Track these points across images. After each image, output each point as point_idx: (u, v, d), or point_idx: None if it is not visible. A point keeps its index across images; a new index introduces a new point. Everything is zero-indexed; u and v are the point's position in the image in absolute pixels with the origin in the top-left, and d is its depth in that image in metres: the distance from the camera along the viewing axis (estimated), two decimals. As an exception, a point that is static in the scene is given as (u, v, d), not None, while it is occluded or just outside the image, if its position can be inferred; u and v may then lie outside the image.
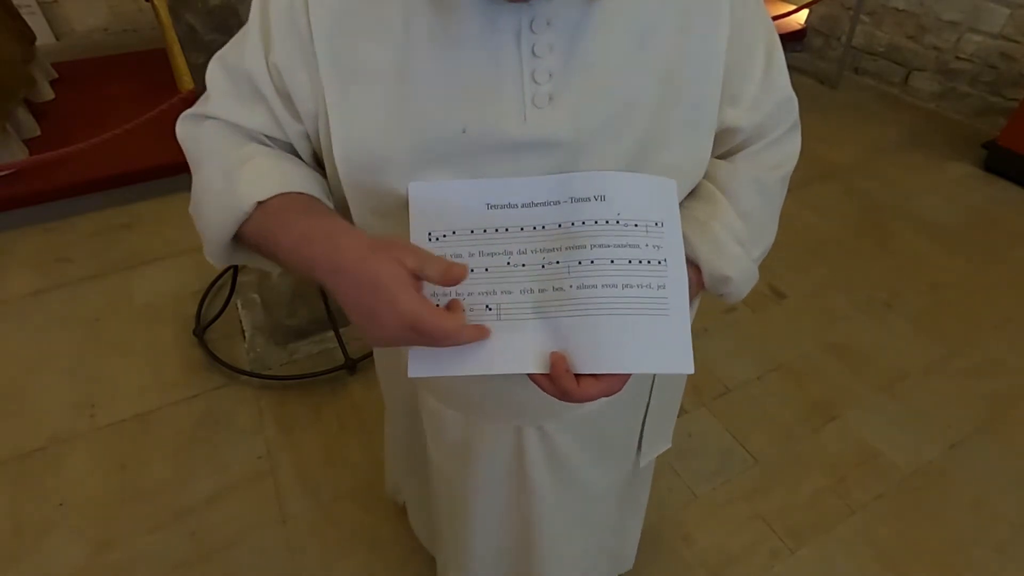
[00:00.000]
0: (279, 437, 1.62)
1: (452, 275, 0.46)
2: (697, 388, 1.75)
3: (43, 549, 1.38)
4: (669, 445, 0.96)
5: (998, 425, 1.66)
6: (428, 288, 0.50)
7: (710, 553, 1.39)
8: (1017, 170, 2.60)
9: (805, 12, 3.61)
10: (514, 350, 0.50)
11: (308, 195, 0.52)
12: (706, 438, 1.63)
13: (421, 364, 0.51)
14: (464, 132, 0.50)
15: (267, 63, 0.53)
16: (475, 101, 0.50)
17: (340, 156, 0.53)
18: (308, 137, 0.56)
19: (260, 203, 0.50)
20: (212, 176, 0.53)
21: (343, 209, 0.59)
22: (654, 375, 0.81)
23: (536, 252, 0.51)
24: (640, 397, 0.80)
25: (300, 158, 0.58)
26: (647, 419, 0.84)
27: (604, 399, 0.71)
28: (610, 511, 0.94)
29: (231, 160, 0.52)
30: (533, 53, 0.49)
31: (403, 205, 0.52)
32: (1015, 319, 1.98)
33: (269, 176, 0.51)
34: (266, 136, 0.56)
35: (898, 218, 2.43)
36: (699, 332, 1.92)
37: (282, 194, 0.51)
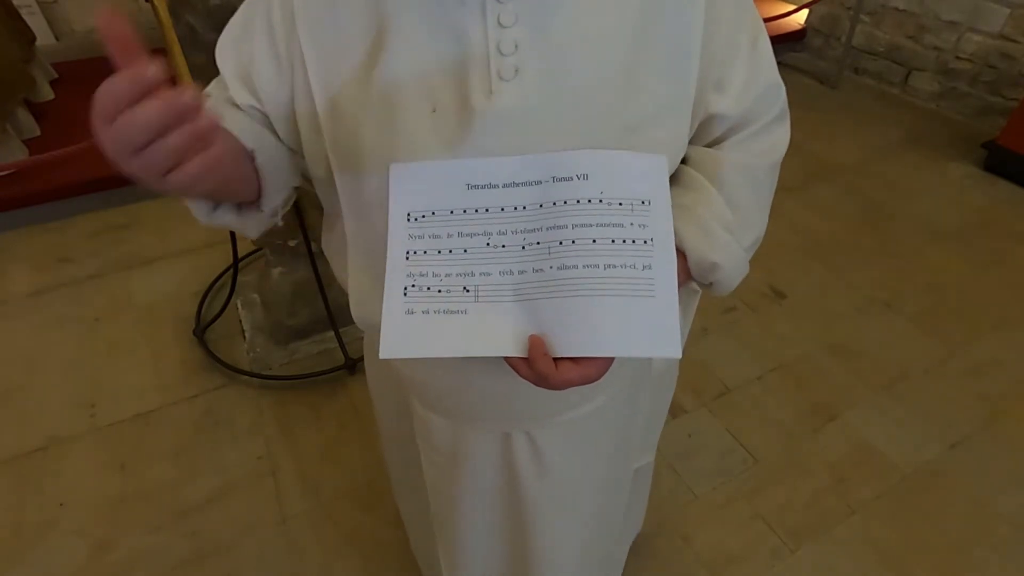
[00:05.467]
0: (279, 437, 1.62)
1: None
2: (697, 388, 1.75)
3: (43, 549, 1.38)
4: (651, 458, 0.95)
5: (998, 425, 1.66)
6: (414, 272, 0.50)
7: (710, 553, 1.39)
8: (1017, 170, 2.60)
9: (805, 12, 3.60)
10: (492, 333, 0.49)
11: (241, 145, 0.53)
12: (706, 438, 1.63)
13: (393, 345, 0.50)
14: (434, 111, 0.51)
15: (247, 64, 0.56)
16: (442, 78, 0.50)
17: (330, 143, 0.54)
18: (264, 115, 0.58)
19: None
20: None
21: (329, 189, 0.59)
22: (645, 379, 0.81)
23: (517, 233, 0.50)
24: (628, 404, 0.79)
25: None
26: (636, 427, 0.83)
27: (592, 404, 0.70)
28: (603, 522, 0.92)
29: None
30: (499, 23, 0.49)
31: (383, 187, 0.51)
32: (1015, 319, 1.98)
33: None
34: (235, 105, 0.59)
35: (898, 218, 2.43)
36: (699, 332, 1.92)
37: None
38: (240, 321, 1.92)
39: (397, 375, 0.77)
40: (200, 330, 1.88)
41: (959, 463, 1.56)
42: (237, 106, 0.58)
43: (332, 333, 1.78)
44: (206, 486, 1.50)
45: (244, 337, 1.87)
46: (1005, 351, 1.87)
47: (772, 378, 1.79)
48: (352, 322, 1.87)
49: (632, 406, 0.79)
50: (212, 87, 0.61)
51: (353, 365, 1.75)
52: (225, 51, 0.58)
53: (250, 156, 0.54)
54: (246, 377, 1.75)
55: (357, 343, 1.77)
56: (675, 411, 1.68)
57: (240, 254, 1.82)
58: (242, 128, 0.53)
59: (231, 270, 1.83)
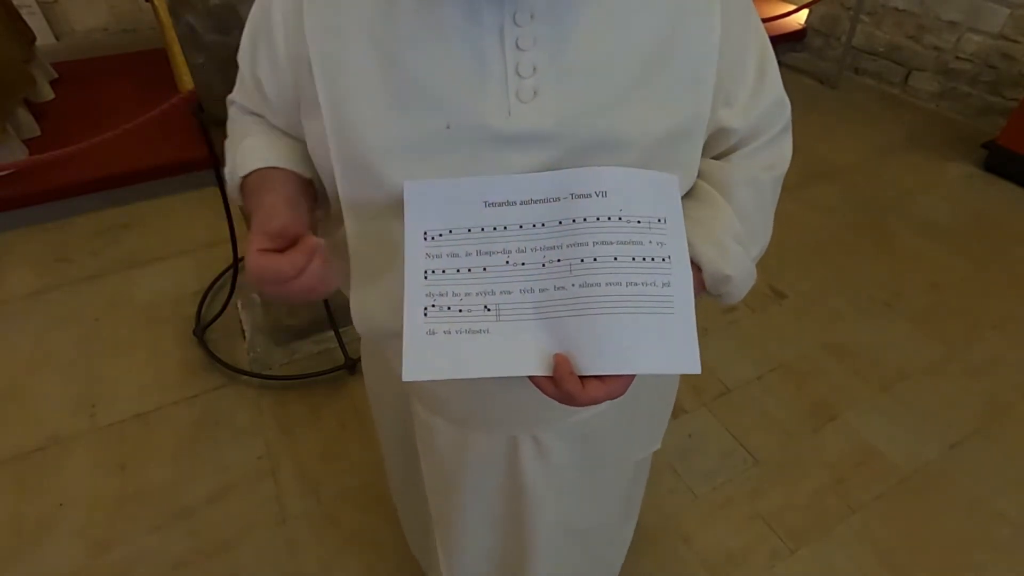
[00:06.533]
0: (279, 437, 1.62)
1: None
2: (697, 388, 1.75)
3: (43, 549, 1.38)
4: (658, 446, 0.96)
5: (998, 425, 1.66)
6: (433, 291, 0.49)
7: (710, 553, 1.39)
8: (1017, 170, 2.60)
9: (805, 12, 3.60)
10: (515, 352, 0.49)
11: (281, 169, 0.59)
12: (706, 438, 1.63)
13: (416, 367, 0.49)
14: (448, 128, 0.50)
15: (254, 68, 0.59)
16: (458, 96, 0.50)
17: (335, 155, 0.53)
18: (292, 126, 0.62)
19: (245, 177, 0.59)
20: (227, 150, 0.65)
21: (335, 204, 0.59)
22: (647, 379, 0.81)
23: (536, 250, 0.49)
24: (634, 401, 0.79)
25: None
26: (641, 423, 0.83)
27: (599, 406, 0.71)
28: (606, 519, 0.93)
29: (235, 139, 0.64)
30: (517, 46, 0.49)
31: (396, 204, 0.51)
32: (1015, 319, 1.98)
33: (252, 154, 0.59)
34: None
35: (898, 218, 2.43)
36: (699, 332, 1.91)
37: (259, 169, 0.58)
38: (240, 321, 1.92)
39: (398, 378, 0.77)
40: (200, 330, 1.88)
41: (959, 463, 1.56)
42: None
43: (332, 333, 1.78)
44: (206, 486, 1.50)
45: (244, 337, 1.87)
46: (1005, 351, 1.87)
47: (772, 378, 1.79)
48: (352, 322, 1.88)
49: (636, 401, 0.80)
50: (238, 95, 0.65)
51: (353, 365, 1.75)
52: (244, 56, 0.61)
53: (309, 182, 0.61)
54: (246, 377, 1.75)
55: (357, 343, 1.77)
56: (675, 411, 1.67)
57: (240, 254, 1.82)
58: (290, 159, 0.59)
59: (231, 270, 1.83)
